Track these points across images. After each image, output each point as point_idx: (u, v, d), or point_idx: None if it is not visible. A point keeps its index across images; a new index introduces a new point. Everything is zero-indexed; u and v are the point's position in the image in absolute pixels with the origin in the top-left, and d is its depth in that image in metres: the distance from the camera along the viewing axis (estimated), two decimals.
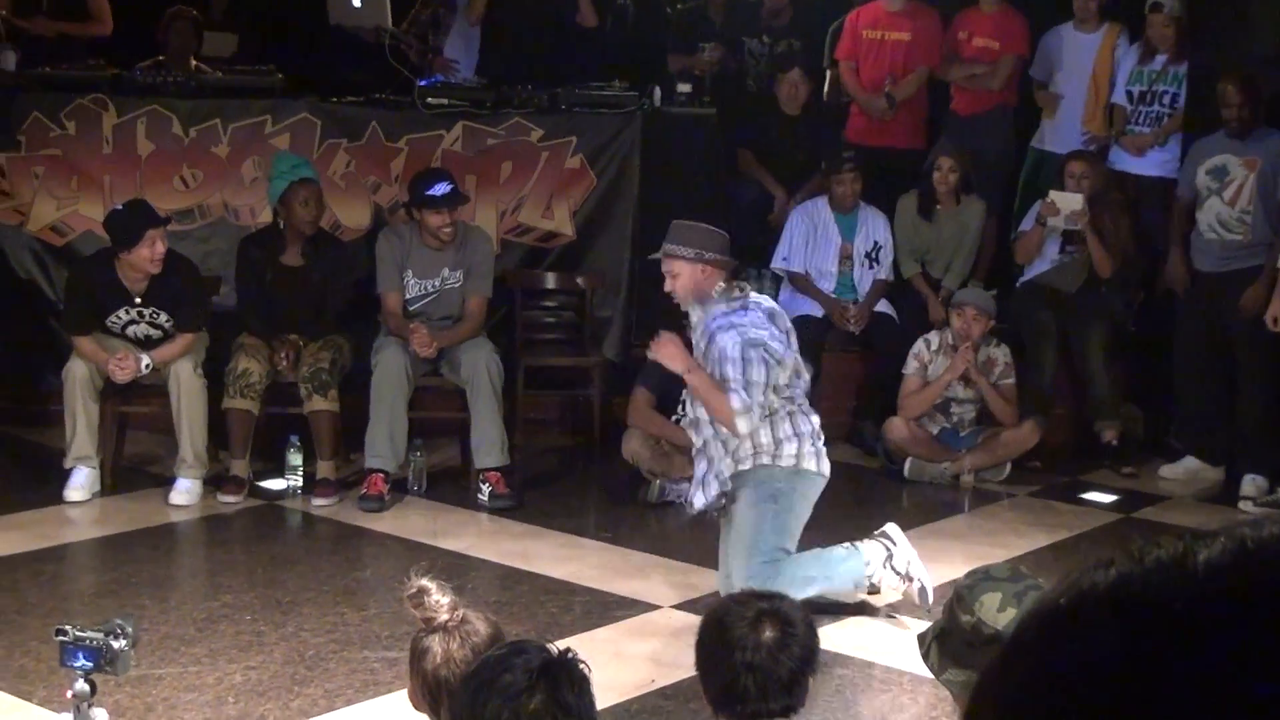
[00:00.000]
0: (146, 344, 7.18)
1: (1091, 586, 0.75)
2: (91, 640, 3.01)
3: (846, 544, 5.86)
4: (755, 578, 5.28)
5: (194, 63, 9.08)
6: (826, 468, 5.84)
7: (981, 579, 3.07)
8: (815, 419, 5.88)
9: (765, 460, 5.72)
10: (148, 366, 7.04)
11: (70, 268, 7.76)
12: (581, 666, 2.78)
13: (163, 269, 7.04)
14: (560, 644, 2.85)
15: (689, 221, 6.01)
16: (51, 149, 8.21)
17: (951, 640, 3.04)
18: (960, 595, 3.04)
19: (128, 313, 7.16)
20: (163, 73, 8.56)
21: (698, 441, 5.88)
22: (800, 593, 5.55)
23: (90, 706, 3.04)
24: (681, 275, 5.76)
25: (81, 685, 3.02)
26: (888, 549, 5.83)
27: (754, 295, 5.93)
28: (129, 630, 3.04)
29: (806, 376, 5.97)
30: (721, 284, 5.77)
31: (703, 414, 5.78)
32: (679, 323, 7.42)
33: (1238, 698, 0.68)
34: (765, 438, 5.72)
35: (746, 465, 5.72)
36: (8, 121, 8.17)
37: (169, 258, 7.08)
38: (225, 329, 7.42)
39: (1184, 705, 0.69)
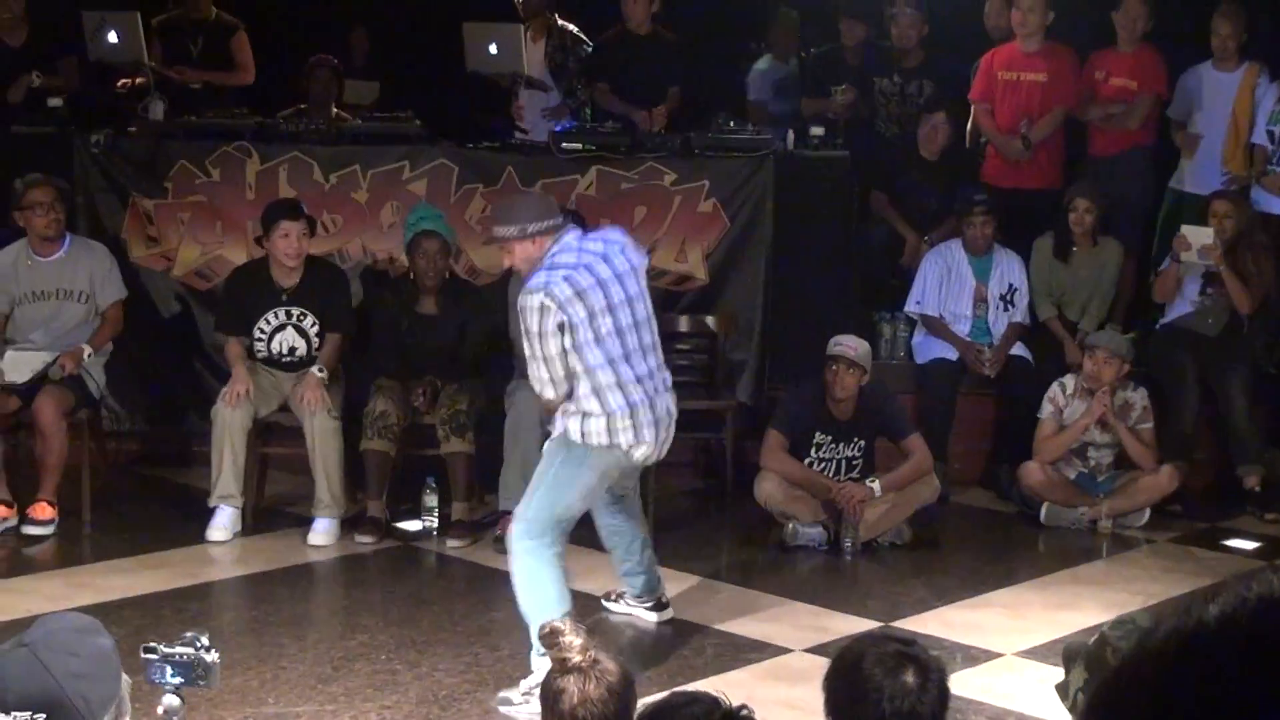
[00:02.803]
0: (290, 365, 7.39)
1: (1199, 623, 0.75)
2: (182, 655, 3.04)
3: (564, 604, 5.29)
4: (522, 527, 5.37)
5: (335, 110, 9.27)
6: (628, 440, 5.48)
7: (1130, 630, 3.03)
8: (642, 367, 5.56)
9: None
10: (321, 371, 7.26)
11: (229, 273, 7.99)
12: None
13: (310, 272, 7.40)
14: (732, 698, 2.84)
15: (513, 197, 6.10)
16: (197, 195, 8.43)
17: None
18: (1115, 647, 3.01)
19: (276, 316, 7.38)
20: (304, 120, 8.76)
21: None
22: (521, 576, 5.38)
23: None
24: (514, 252, 5.54)
25: (172, 699, 3.04)
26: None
27: (569, 238, 5.48)
28: (207, 643, 3.07)
29: (636, 318, 5.51)
30: (553, 244, 5.46)
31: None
32: (813, 366, 7.42)
33: None
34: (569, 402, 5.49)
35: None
36: (156, 169, 8.41)
37: (316, 263, 7.43)
38: (362, 372, 7.54)
39: None
